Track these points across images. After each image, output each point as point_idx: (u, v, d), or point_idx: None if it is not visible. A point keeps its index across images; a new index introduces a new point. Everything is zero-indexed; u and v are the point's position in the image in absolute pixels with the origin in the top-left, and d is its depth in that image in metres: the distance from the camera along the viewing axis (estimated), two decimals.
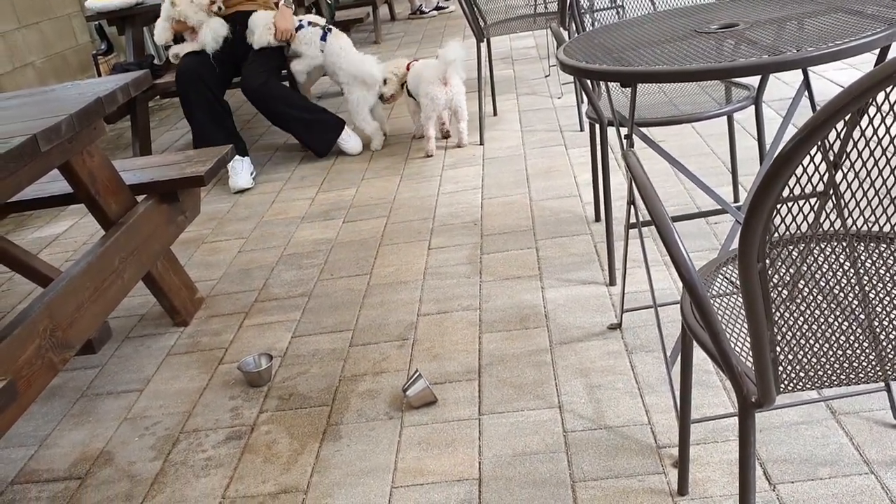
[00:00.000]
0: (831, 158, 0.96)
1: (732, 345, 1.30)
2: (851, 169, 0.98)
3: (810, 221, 1.01)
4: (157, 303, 2.87)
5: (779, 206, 0.98)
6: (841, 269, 1.06)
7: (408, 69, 4.24)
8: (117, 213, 2.46)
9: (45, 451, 2.18)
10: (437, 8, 8.52)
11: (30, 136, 1.81)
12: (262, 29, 4.08)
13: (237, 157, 4.08)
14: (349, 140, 4.25)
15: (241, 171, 4.03)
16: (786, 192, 0.96)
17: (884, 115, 0.93)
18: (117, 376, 2.49)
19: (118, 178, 2.48)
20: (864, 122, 0.95)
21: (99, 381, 2.49)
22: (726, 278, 1.51)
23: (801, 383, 1.18)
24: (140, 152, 4.63)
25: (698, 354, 2.05)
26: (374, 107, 4.27)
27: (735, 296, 1.45)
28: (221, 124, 4.08)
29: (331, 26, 4.22)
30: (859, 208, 0.99)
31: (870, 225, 1.00)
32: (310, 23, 4.16)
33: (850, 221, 1.01)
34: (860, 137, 0.95)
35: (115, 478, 2.02)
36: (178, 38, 4.29)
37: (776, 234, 1.01)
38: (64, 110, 2.02)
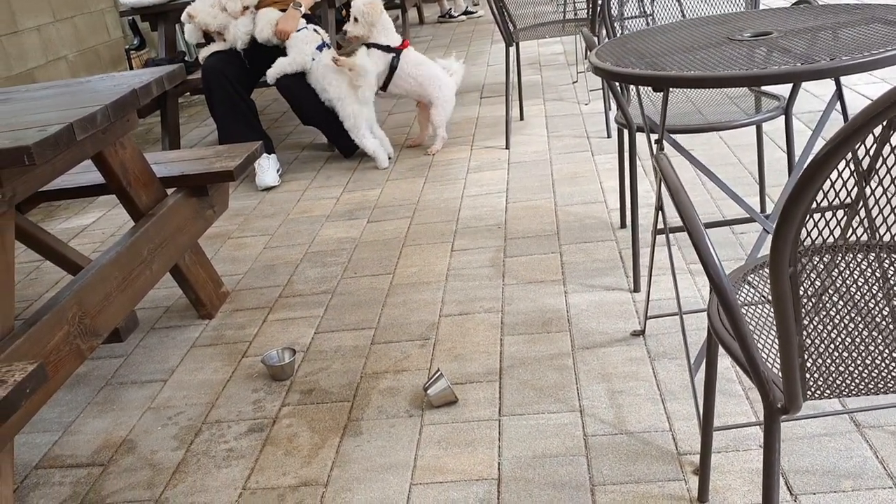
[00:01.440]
0: (862, 169, 0.96)
1: (758, 352, 1.30)
2: (882, 181, 0.98)
3: (840, 231, 1.00)
4: (183, 295, 2.89)
5: (810, 213, 0.98)
6: (870, 280, 1.06)
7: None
8: (147, 204, 2.49)
9: (69, 438, 2.21)
10: (466, 12, 8.54)
11: (66, 125, 1.84)
12: (264, 23, 4.08)
13: (263, 154, 4.11)
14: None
15: (267, 168, 4.06)
16: (818, 199, 0.96)
17: None
18: (142, 366, 2.52)
19: (149, 171, 2.51)
20: None
21: (124, 370, 2.52)
22: (752, 287, 1.50)
23: (828, 391, 1.17)
24: (169, 147, 4.68)
25: (721, 363, 2.04)
26: (373, 125, 4.15)
27: (761, 305, 1.45)
28: (244, 121, 4.11)
29: (329, 43, 4.13)
30: (888, 220, 0.99)
31: None
32: (314, 29, 4.10)
33: (879, 233, 1.01)
34: (892, 151, 0.95)
35: (137, 466, 2.04)
36: (209, 38, 4.33)
37: (807, 240, 1.01)
38: (99, 101, 2.05)
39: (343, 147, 4.28)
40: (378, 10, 4.04)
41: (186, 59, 5.15)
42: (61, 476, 2.05)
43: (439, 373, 2.09)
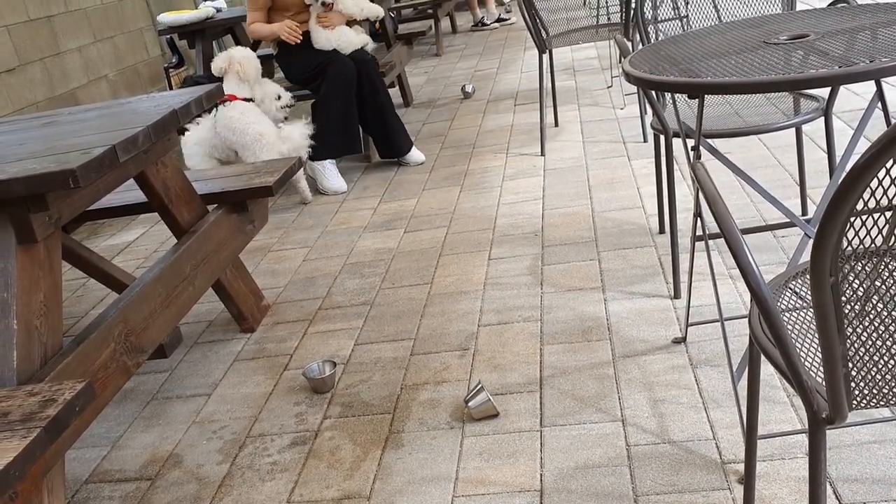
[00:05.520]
0: None
1: (801, 360, 1.28)
2: None
3: (884, 236, 0.99)
4: (225, 309, 2.94)
5: (853, 218, 0.96)
6: None
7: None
8: (189, 221, 2.54)
9: (118, 452, 2.25)
10: (499, 20, 8.55)
11: (109, 147, 1.88)
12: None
13: (330, 160, 4.17)
14: (412, 153, 4.33)
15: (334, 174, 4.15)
16: (860, 205, 0.95)
17: None
18: (186, 380, 2.56)
19: (190, 188, 2.56)
20: None
21: (169, 384, 2.56)
22: (795, 293, 1.48)
23: (874, 400, 1.15)
24: None
25: (765, 370, 2.02)
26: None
27: (804, 311, 1.43)
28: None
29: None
30: None
31: None
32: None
33: None
34: None
35: (184, 480, 2.07)
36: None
37: (849, 248, 0.99)
38: (141, 122, 2.10)
39: (388, 153, 4.34)
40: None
41: None
42: (111, 490, 2.09)
43: (480, 385, 2.09)
